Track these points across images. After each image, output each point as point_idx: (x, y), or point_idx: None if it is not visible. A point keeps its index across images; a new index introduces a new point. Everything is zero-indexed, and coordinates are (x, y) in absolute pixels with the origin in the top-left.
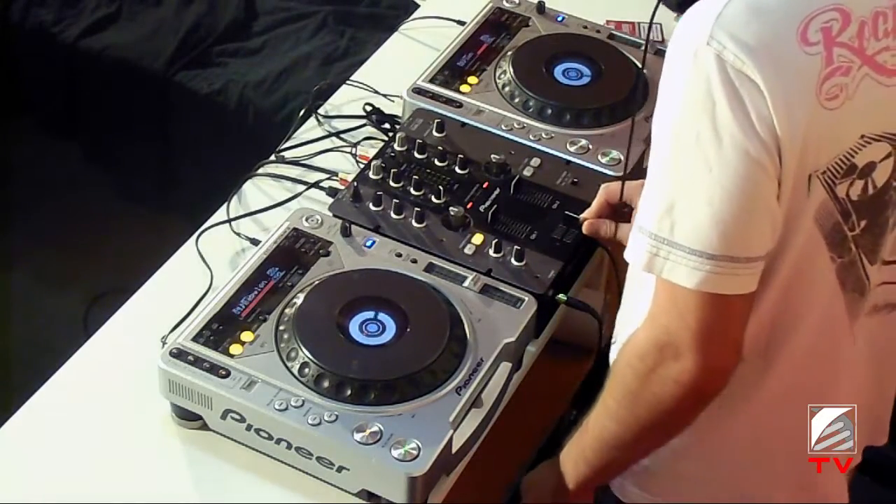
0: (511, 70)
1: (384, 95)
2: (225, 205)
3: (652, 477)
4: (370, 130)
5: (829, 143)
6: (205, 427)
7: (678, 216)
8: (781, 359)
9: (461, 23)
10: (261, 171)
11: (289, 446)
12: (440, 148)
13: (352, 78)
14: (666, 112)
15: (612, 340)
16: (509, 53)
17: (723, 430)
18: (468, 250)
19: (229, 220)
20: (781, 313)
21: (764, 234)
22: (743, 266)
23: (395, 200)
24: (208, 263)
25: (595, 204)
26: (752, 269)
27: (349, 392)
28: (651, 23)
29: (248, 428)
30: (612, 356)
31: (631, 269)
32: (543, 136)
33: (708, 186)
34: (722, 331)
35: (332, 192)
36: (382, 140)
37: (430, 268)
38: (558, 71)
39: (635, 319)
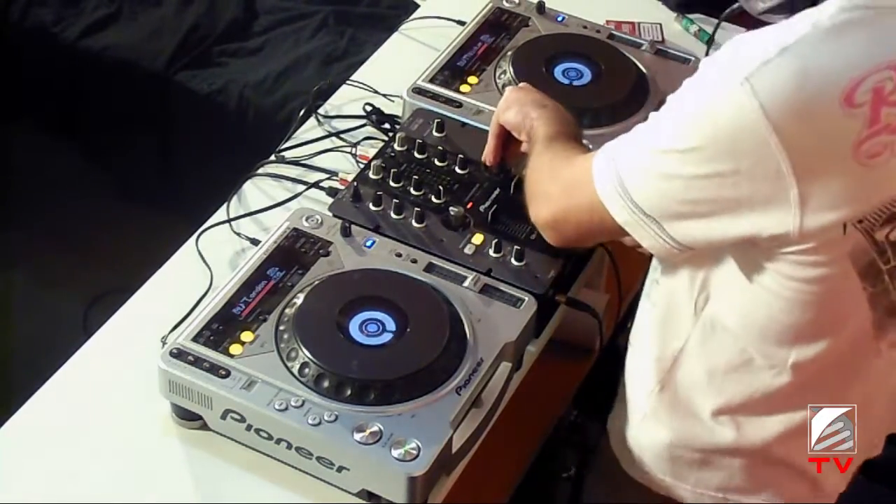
0: (511, 70)
1: (384, 95)
2: (225, 205)
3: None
4: (370, 130)
5: (867, 197)
6: (205, 427)
7: (641, 175)
8: (804, 366)
9: (461, 23)
10: (261, 171)
11: (289, 446)
12: (440, 148)
13: (352, 78)
14: (691, 96)
15: (630, 343)
16: (509, 53)
17: (756, 429)
18: (468, 250)
19: (229, 220)
20: (808, 329)
21: (699, 238)
22: (662, 234)
23: (395, 200)
24: (208, 263)
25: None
26: (667, 245)
27: (349, 392)
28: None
29: (248, 428)
30: (629, 363)
31: (653, 285)
32: None
33: (674, 171)
34: (583, 225)
35: (332, 192)
36: (382, 140)
37: (430, 268)
38: (558, 71)
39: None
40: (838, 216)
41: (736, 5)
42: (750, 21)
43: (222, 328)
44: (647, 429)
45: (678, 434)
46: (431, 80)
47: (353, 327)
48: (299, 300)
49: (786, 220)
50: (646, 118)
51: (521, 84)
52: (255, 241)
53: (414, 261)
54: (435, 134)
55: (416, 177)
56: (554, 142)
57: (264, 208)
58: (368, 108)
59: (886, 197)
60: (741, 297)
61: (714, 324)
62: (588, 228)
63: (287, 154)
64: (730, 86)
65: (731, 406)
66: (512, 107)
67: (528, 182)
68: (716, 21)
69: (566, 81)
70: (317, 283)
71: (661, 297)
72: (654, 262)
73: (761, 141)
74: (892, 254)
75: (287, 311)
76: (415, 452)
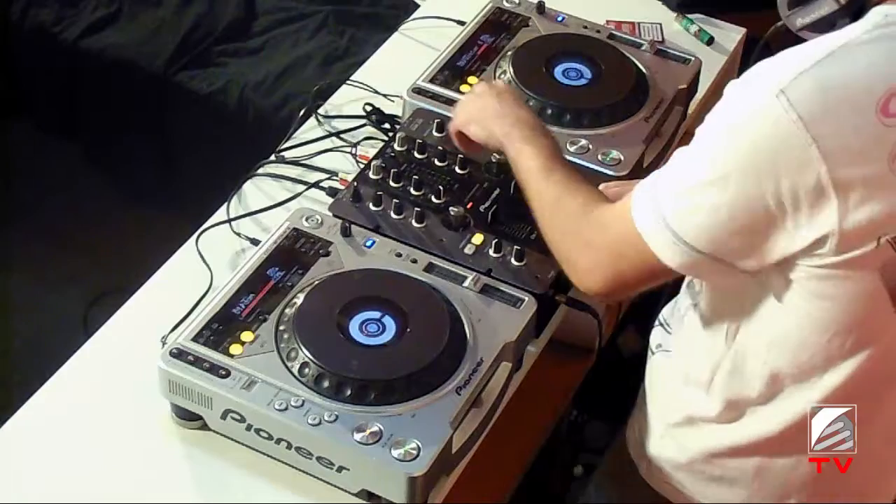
0: (511, 70)
1: (384, 95)
2: (225, 205)
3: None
4: (370, 130)
5: None
6: (205, 427)
7: (684, 208)
8: (835, 393)
9: (461, 23)
10: (261, 171)
11: (289, 446)
12: (440, 148)
13: (352, 78)
14: (721, 119)
15: (660, 322)
16: (509, 53)
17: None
18: (468, 250)
19: (229, 220)
20: (838, 350)
21: (753, 257)
22: (716, 262)
23: (395, 200)
24: (208, 263)
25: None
26: (722, 268)
27: (349, 392)
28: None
29: (248, 428)
30: (651, 373)
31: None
32: None
33: (718, 200)
34: (635, 281)
35: (332, 192)
36: (382, 140)
37: (430, 268)
38: (558, 71)
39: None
40: (875, 228)
41: (780, 23)
42: (750, 22)
43: (222, 328)
44: (667, 444)
45: (700, 456)
46: (431, 80)
47: (353, 327)
48: (299, 300)
49: (826, 232)
50: (646, 119)
51: (476, 86)
52: (255, 241)
53: (414, 261)
54: (435, 134)
55: (416, 177)
56: (554, 182)
57: (264, 208)
58: (368, 108)
59: None
60: (772, 321)
61: (745, 353)
62: (646, 281)
63: (287, 154)
64: (764, 100)
65: (755, 439)
66: (471, 122)
67: (550, 240)
68: (716, 20)
69: (566, 81)
70: (317, 283)
71: (691, 323)
72: (683, 290)
73: (802, 152)
74: None
75: (287, 311)
76: (415, 452)
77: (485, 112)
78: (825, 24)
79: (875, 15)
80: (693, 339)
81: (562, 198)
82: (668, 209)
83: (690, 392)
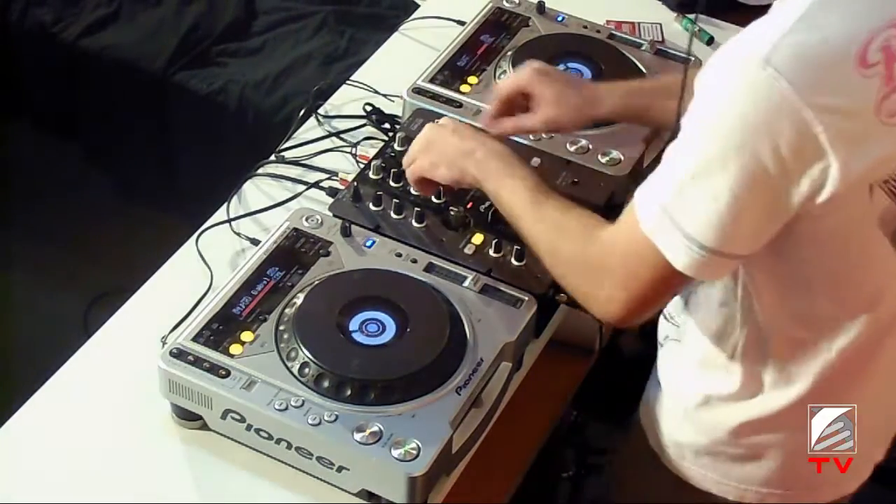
0: (511, 70)
1: (384, 95)
2: (225, 205)
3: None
4: (370, 130)
5: (892, 156)
6: (205, 427)
7: (687, 201)
8: (849, 355)
9: (461, 23)
10: (261, 171)
11: (289, 446)
12: None
13: (352, 78)
14: (708, 106)
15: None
16: (509, 53)
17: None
18: (468, 250)
19: (229, 220)
20: (848, 307)
21: (757, 239)
22: (723, 259)
23: (395, 200)
24: (208, 263)
25: (493, 108)
26: (728, 263)
27: (349, 392)
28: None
29: (248, 428)
30: (661, 330)
31: None
32: (543, 135)
33: (719, 184)
34: (655, 297)
35: (332, 192)
36: (382, 140)
37: (430, 268)
38: None
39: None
40: (868, 177)
41: None
42: (750, 22)
43: (222, 328)
44: (688, 429)
45: (723, 435)
46: (431, 80)
47: (353, 327)
48: (299, 300)
49: (824, 189)
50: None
51: (425, 129)
52: (255, 241)
53: (414, 261)
54: None
55: None
56: (548, 216)
57: (264, 208)
58: (368, 108)
59: None
60: (782, 286)
61: (764, 325)
62: (663, 293)
63: (287, 154)
64: (751, 73)
65: (777, 409)
66: (440, 164)
67: (559, 276)
68: (716, 21)
69: None
70: (317, 283)
71: (698, 310)
72: None
73: (797, 118)
74: None
75: (287, 311)
76: (415, 452)
77: (448, 152)
78: None
79: None
80: (704, 323)
81: (560, 230)
82: (671, 205)
83: (708, 374)
